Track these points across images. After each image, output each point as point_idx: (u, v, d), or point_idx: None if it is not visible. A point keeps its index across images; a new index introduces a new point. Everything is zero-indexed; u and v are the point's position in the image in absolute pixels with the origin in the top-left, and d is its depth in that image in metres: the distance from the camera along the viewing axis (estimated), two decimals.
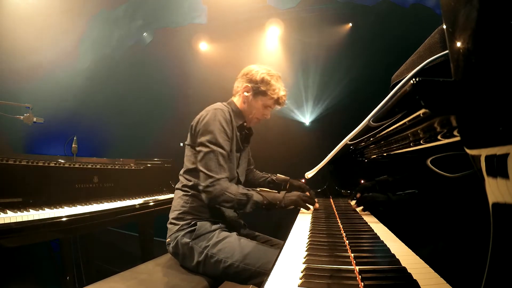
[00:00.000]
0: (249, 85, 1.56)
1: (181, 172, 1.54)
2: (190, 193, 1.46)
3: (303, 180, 1.91)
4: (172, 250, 1.40)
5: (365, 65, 3.38)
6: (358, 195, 1.60)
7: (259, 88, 1.55)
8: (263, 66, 1.60)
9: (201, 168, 1.38)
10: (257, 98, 1.57)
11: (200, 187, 1.37)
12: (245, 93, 1.57)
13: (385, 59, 3.05)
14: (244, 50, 3.83)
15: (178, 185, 1.53)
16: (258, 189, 1.45)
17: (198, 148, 1.42)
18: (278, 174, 1.94)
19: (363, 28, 3.49)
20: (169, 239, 1.42)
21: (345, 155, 1.69)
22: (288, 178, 1.91)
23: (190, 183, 1.47)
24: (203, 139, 1.41)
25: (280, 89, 1.57)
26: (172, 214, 1.47)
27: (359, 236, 0.98)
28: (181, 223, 1.41)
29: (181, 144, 1.57)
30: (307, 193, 1.74)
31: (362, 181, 1.62)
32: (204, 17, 4.12)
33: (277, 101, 1.59)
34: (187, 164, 1.51)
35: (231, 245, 1.31)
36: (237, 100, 1.61)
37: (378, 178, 1.41)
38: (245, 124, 1.60)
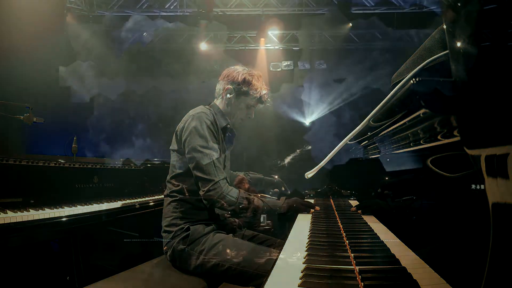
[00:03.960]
0: (231, 86, 1.56)
1: (168, 178, 1.53)
2: (178, 198, 1.45)
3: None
4: (170, 258, 1.39)
5: (365, 65, 3.38)
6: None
7: (241, 89, 1.55)
8: (243, 67, 1.61)
9: (198, 174, 1.37)
10: (240, 98, 1.57)
11: (201, 193, 1.37)
12: (228, 95, 1.56)
13: (385, 59, 3.05)
14: (244, 50, 3.83)
15: (166, 192, 1.51)
16: (259, 195, 1.46)
17: (189, 155, 1.41)
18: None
19: (363, 28, 3.49)
20: (165, 248, 1.41)
21: (345, 155, 1.69)
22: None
23: (178, 188, 1.46)
24: (194, 144, 1.39)
25: (262, 88, 1.57)
26: (164, 222, 1.46)
27: (359, 236, 0.98)
28: (175, 229, 1.40)
29: None
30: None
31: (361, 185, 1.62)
32: (204, 18, 4.12)
33: (260, 100, 1.59)
34: (174, 169, 1.50)
35: (226, 248, 1.30)
36: (219, 102, 1.60)
37: (378, 179, 1.41)
38: (228, 126, 1.59)
